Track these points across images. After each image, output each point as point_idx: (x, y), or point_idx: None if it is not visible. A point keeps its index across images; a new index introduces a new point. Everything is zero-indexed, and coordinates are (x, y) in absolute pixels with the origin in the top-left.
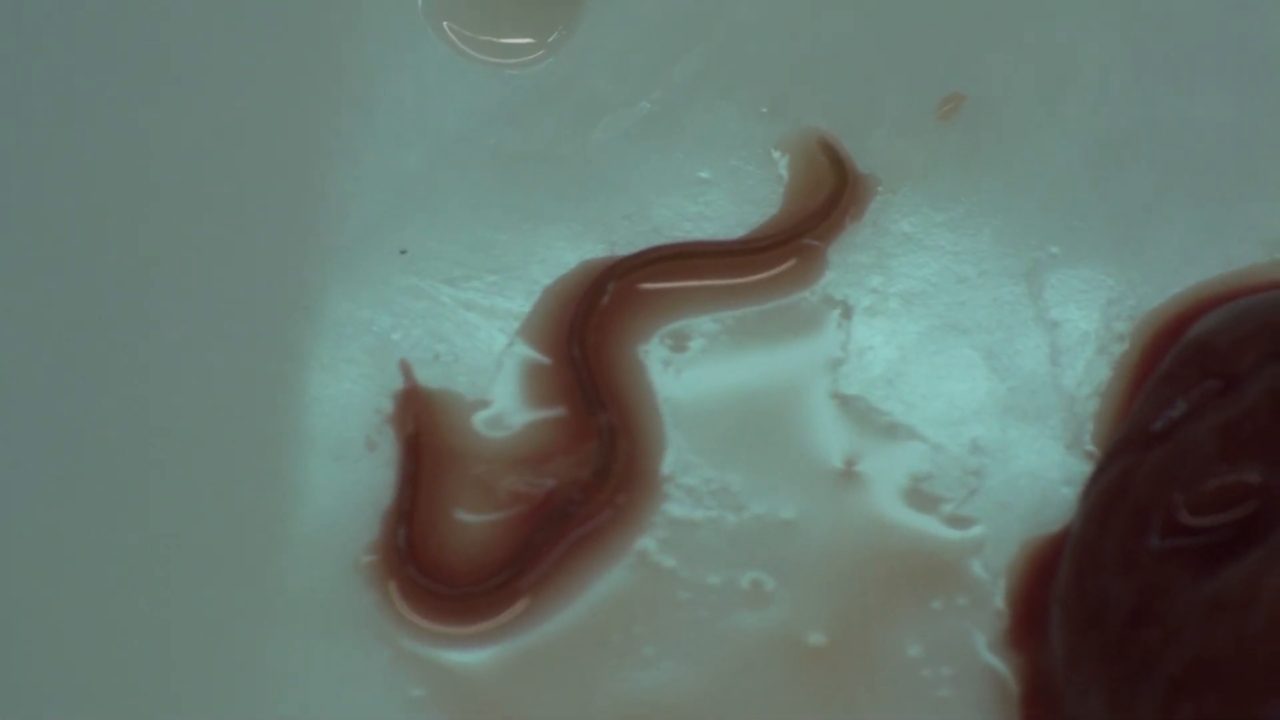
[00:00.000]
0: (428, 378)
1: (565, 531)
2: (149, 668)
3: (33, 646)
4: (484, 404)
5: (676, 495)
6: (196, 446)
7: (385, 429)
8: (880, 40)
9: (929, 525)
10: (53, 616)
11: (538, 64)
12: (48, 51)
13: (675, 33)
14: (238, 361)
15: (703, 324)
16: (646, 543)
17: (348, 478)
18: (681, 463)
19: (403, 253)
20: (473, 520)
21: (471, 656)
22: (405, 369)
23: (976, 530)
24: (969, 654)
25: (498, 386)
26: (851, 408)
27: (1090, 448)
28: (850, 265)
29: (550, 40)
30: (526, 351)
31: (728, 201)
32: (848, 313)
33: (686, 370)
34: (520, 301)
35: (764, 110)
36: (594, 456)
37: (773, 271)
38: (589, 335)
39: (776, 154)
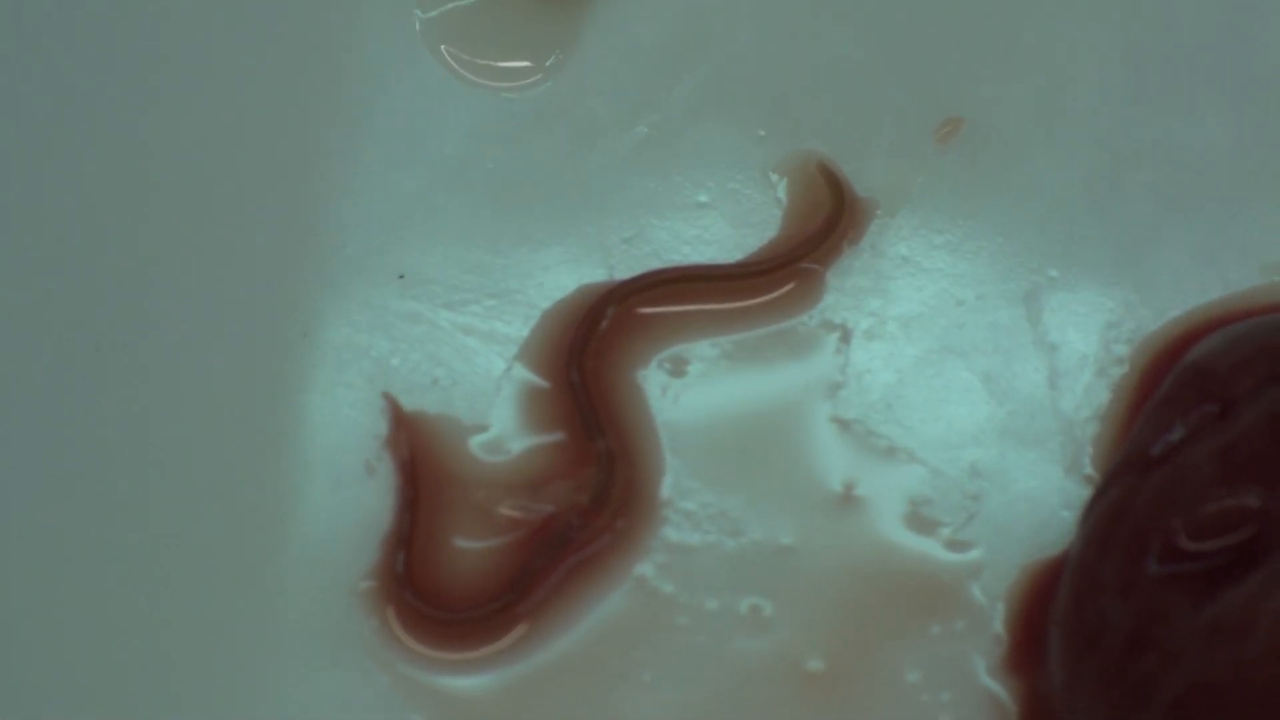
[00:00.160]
0: (426, 403)
1: (564, 557)
2: (146, 689)
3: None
4: (482, 429)
5: (675, 520)
6: (194, 470)
7: (384, 454)
8: (879, 63)
9: (928, 549)
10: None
11: (536, 88)
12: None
13: (673, 56)
14: (236, 386)
15: (701, 348)
16: (645, 568)
17: (346, 503)
18: (680, 487)
19: (401, 277)
20: (471, 545)
21: (470, 682)
22: (390, 402)
23: (975, 554)
24: (968, 679)
25: (496, 411)
26: (850, 432)
27: (1089, 471)
28: (849, 289)
29: (548, 64)
30: (525, 376)
31: (726, 225)
32: (846, 336)
33: (685, 395)
34: (519, 326)
35: (762, 133)
36: (593, 482)
37: (771, 295)
38: (588, 360)
39: (775, 177)
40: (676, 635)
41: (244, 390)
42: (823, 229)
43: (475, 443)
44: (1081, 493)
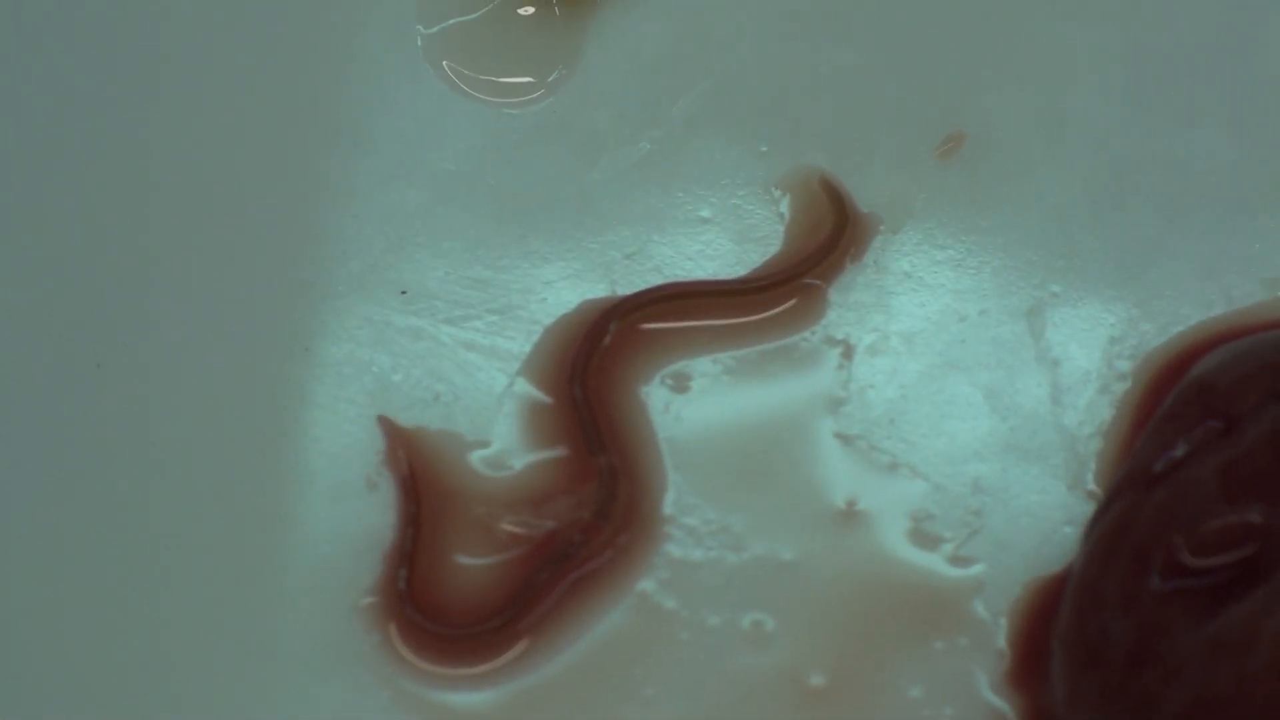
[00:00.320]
0: (428, 418)
1: (565, 572)
2: (148, 705)
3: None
4: (484, 444)
5: (677, 536)
6: (196, 486)
7: (385, 469)
8: (881, 79)
9: (930, 565)
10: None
11: (538, 103)
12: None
13: (675, 72)
14: (237, 400)
15: (703, 364)
16: (647, 583)
17: (347, 518)
18: (682, 503)
19: (403, 293)
20: (473, 561)
21: (472, 698)
22: (385, 424)
23: (978, 570)
24: (971, 694)
25: (498, 427)
26: (852, 447)
27: (1092, 487)
28: (851, 304)
29: (550, 79)
30: (527, 392)
31: (728, 240)
32: (849, 352)
33: (687, 410)
34: (521, 341)
35: (764, 149)
36: (595, 497)
37: (773, 311)
38: (590, 376)
39: (777, 193)
40: (678, 651)
41: (246, 405)
42: (825, 244)
43: (477, 458)
44: (1084, 508)
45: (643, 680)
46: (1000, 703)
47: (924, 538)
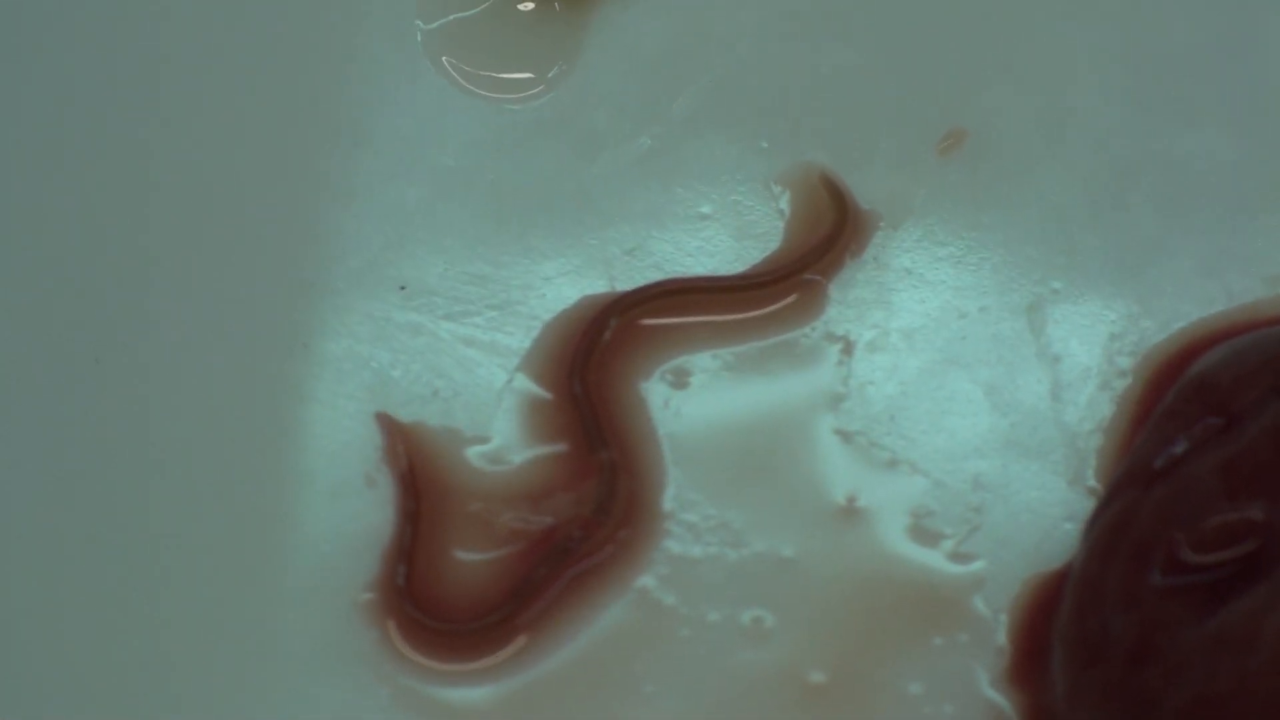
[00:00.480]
0: (427, 414)
1: (565, 568)
2: (148, 702)
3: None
4: (483, 440)
5: (677, 532)
6: (195, 482)
7: (384, 466)
8: (881, 75)
9: (930, 561)
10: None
11: (538, 99)
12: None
13: (675, 68)
14: (236, 396)
15: (703, 360)
16: (646, 580)
17: (346, 515)
18: (682, 499)
19: (402, 289)
20: (472, 557)
21: (471, 694)
22: (384, 421)
23: (978, 566)
24: (971, 691)
25: (497, 423)
26: (852, 443)
27: (1092, 484)
28: (851, 301)
29: (550, 75)
30: (526, 387)
31: (728, 237)
32: (849, 348)
33: (687, 406)
34: (520, 337)
35: (764, 145)
36: (595, 494)
37: (773, 307)
38: (591, 372)
39: (777, 189)
40: (678, 647)
41: (245, 401)
42: (825, 241)
43: (476, 454)
44: (1085, 505)
45: (642, 677)
46: (1000, 699)
47: (924, 534)
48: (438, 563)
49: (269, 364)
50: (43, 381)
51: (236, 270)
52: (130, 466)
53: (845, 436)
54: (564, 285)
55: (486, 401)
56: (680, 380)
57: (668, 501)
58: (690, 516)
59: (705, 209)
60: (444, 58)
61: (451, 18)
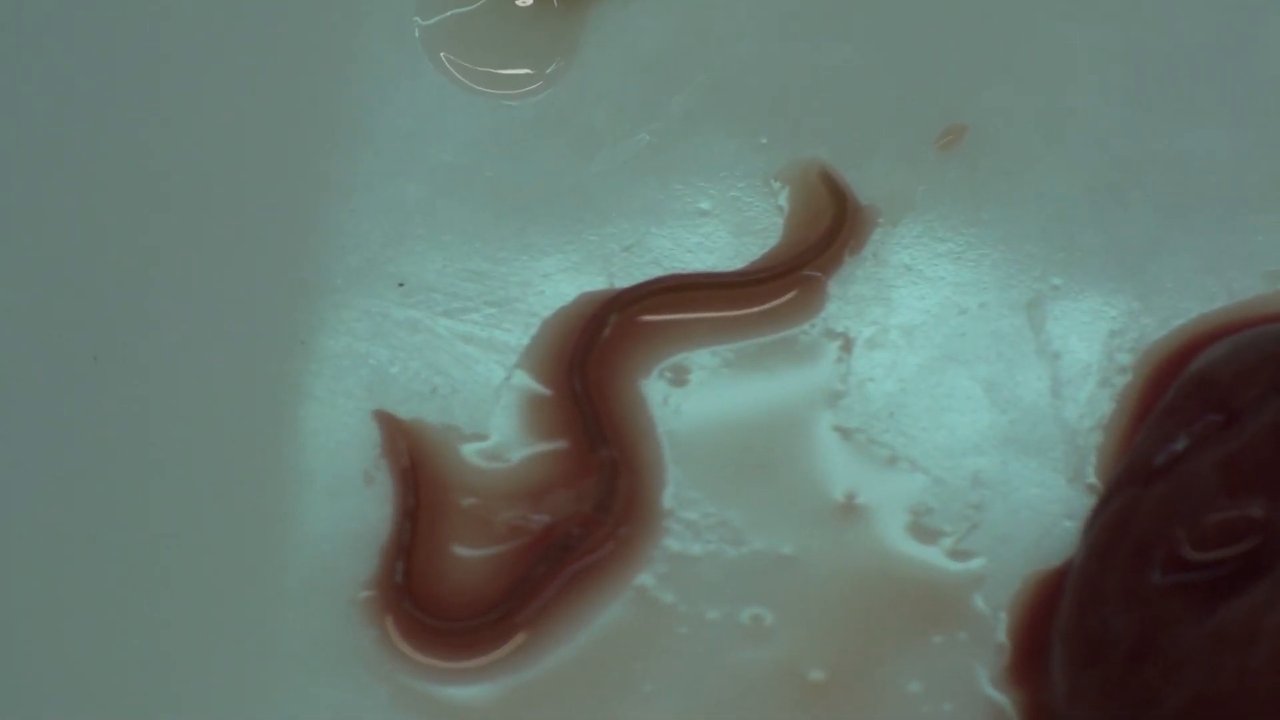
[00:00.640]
0: (425, 411)
1: (564, 566)
2: (148, 702)
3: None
4: (482, 437)
5: (676, 530)
6: (193, 478)
7: (383, 463)
8: (881, 71)
9: (930, 559)
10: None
11: (536, 95)
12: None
13: (674, 64)
14: (235, 393)
15: (702, 357)
16: (646, 578)
17: (345, 512)
18: (681, 497)
19: (400, 285)
20: (471, 554)
21: (470, 692)
22: (383, 419)
23: (977, 564)
24: (970, 689)
25: (496, 420)
26: (852, 441)
27: (1092, 481)
28: (850, 297)
29: (548, 72)
30: (525, 384)
31: (727, 233)
32: (848, 345)
33: (686, 404)
34: (518, 334)
35: (764, 141)
36: (594, 491)
37: (772, 303)
38: (590, 369)
39: (776, 185)
40: (677, 645)
41: (243, 398)
42: (824, 237)
43: (475, 452)
44: (1084, 502)
45: (642, 675)
46: (1000, 697)
47: (923, 532)
48: (436, 560)
49: (267, 361)
50: (40, 377)
51: (235, 268)
52: (128, 464)
53: (844, 433)
54: (562, 282)
55: (485, 398)
56: (679, 377)
57: (667, 499)
58: (689, 514)
59: (704, 205)
60: (442, 54)
61: (450, 14)
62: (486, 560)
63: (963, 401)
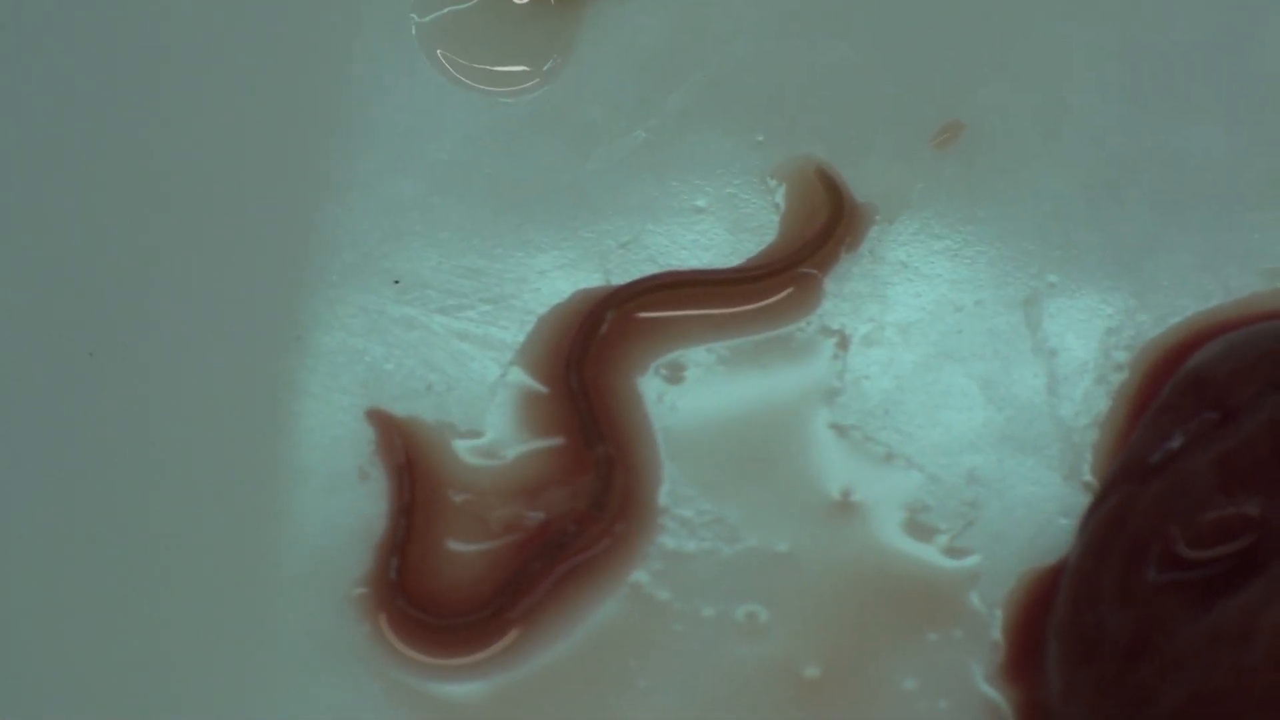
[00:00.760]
0: (420, 408)
1: (559, 562)
2: (146, 699)
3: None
4: (477, 434)
5: (671, 527)
6: (189, 477)
7: (378, 460)
8: (877, 69)
9: (925, 556)
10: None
11: (532, 92)
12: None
13: (670, 61)
14: (230, 390)
15: (698, 354)
16: (640, 575)
17: (339, 509)
18: (676, 494)
19: (396, 282)
20: (466, 551)
21: (463, 688)
22: (377, 417)
23: (973, 561)
24: (965, 686)
25: (491, 417)
26: (847, 438)
27: (1088, 478)
28: (847, 294)
29: (545, 69)
30: (520, 381)
31: (723, 230)
32: (844, 342)
33: (681, 401)
34: (514, 331)
35: (760, 139)
36: (590, 489)
37: (769, 301)
38: (587, 365)
39: (772, 182)
40: (672, 642)
41: (238, 395)
42: (821, 234)
43: (470, 449)
44: (1080, 500)
45: (637, 672)
46: (995, 695)
47: (919, 529)
48: (431, 557)
49: (262, 357)
50: (37, 375)
51: (231, 264)
52: (125, 458)
53: (840, 431)
54: (558, 279)
55: (480, 396)
56: (675, 375)
57: (662, 496)
58: (685, 511)
59: (700, 203)
60: (439, 51)
61: (446, 11)
62: (481, 557)
63: (959, 399)
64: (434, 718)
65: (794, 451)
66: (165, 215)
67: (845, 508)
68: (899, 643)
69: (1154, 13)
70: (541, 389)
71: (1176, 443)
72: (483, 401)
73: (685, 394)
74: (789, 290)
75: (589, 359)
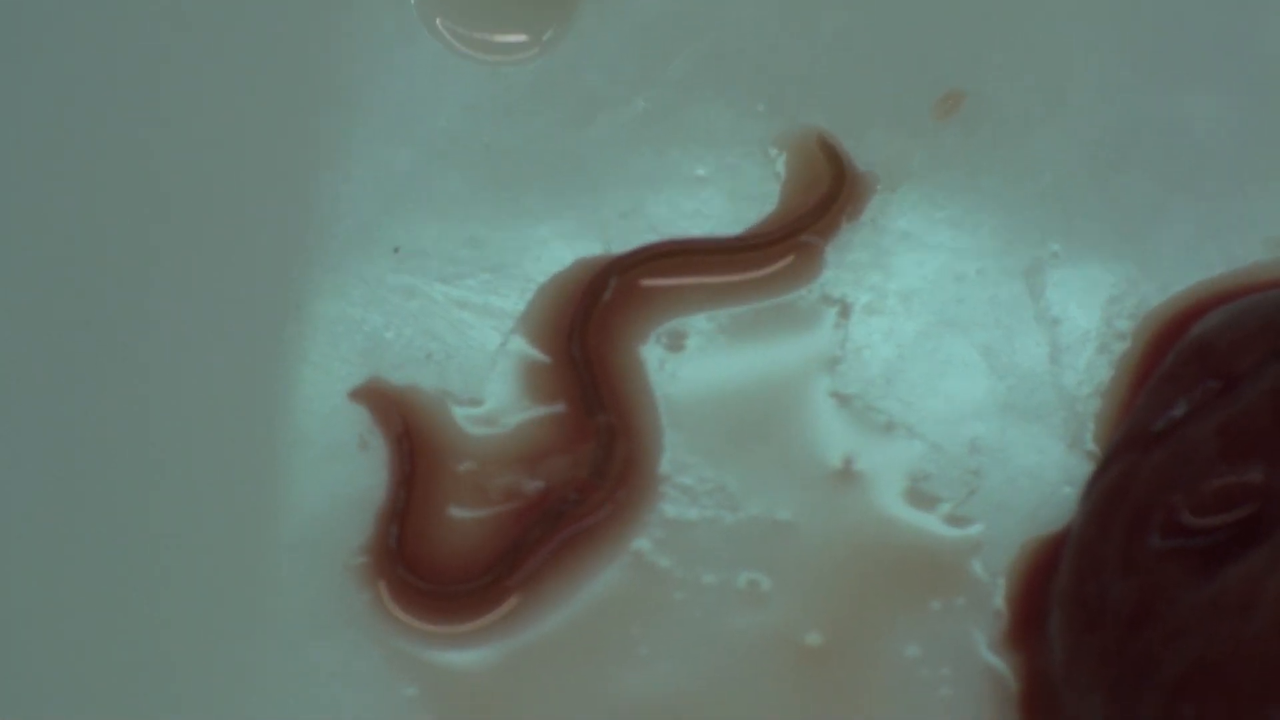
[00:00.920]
0: (420, 377)
1: (560, 530)
2: (144, 670)
3: (33, 646)
4: (477, 403)
5: (672, 495)
6: (189, 447)
7: (377, 428)
8: (879, 37)
9: (928, 525)
10: (53, 616)
11: (532, 61)
12: (48, 51)
13: (671, 30)
14: (230, 361)
15: (699, 322)
16: (642, 542)
17: (339, 478)
18: (677, 462)
19: (396, 251)
20: (466, 517)
21: (465, 656)
22: (372, 391)
23: (975, 530)
24: (968, 654)
25: (491, 385)
26: (849, 407)
27: (1091, 447)
28: (848, 263)
29: (545, 38)
30: (520, 350)
31: (724, 199)
32: (845, 311)
33: (683, 369)
34: (514, 300)
35: (761, 108)
36: (591, 456)
37: (770, 269)
38: (589, 333)
39: (774, 151)
40: (673, 610)
41: (237, 364)
42: (822, 203)
43: (470, 417)
44: (1083, 469)
45: (638, 640)
46: (998, 663)
47: (921, 497)
48: (431, 525)
49: (262, 327)
50: (37, 351)
51: (230, 233)
52: (125, 432)
53: (842, 399)
54: (558, 248)
55: (480, 364)
56: (676, 343)
57: (664, 464)
58: (686, 479)
59: (701, 172)
60: (438, 20)
61: None
62: (481, 524)
63: (961, 368)
64: (434, 685)
65: (795, 420)
66: (162, 187)
67: (847, 476)
68: (901, 611)
69: None
70: (542, 357)
71: (1179, 411)
72: (483, 370)
73: (686, 362)
74: (790, 259)
75: (590, 327)
